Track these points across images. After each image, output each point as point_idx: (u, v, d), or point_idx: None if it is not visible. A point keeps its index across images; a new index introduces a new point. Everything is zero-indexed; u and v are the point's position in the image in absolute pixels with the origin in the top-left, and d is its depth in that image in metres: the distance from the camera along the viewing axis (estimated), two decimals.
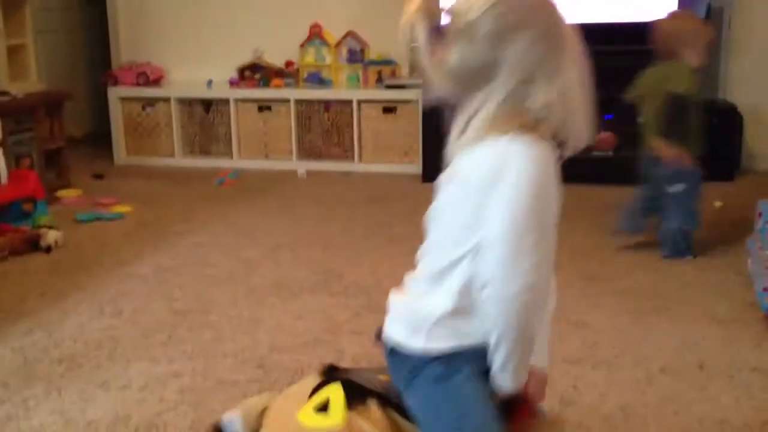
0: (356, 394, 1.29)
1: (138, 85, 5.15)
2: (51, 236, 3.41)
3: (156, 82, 5.23)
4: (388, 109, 4.77)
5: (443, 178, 1.25)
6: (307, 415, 1.29)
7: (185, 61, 5.36)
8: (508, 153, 1.15)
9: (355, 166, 4.85)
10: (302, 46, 5.03)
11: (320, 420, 1.27)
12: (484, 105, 1.19)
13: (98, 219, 3.87)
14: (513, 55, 1.16)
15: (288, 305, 2.76)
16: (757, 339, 2.39)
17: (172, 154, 5.13)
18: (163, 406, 2.09)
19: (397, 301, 1.32)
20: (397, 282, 3.13)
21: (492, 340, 1.19)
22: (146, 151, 5.18)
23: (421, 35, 1.19)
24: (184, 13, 5.33)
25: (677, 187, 3.03)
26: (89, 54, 6.14)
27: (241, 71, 5.08)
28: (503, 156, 1.15)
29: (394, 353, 1.28)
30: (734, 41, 4.56)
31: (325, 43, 5.00)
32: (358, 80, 4.98)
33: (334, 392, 1.30)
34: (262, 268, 3.15)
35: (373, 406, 1.28)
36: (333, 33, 5.02)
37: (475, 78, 1.19)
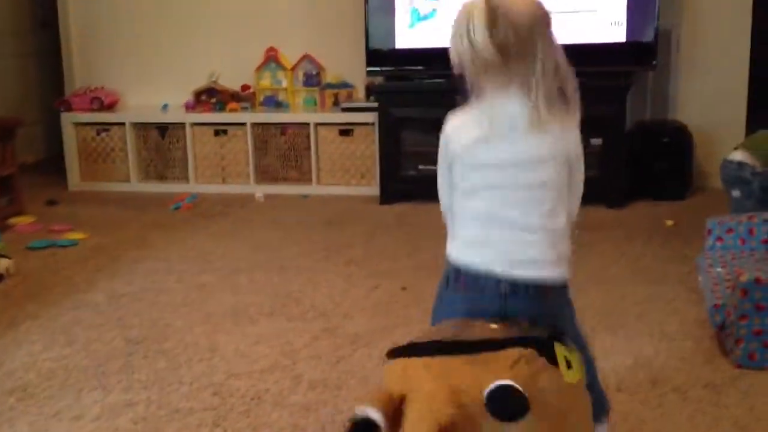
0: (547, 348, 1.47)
1: (92, 110, 5.10)
2: (3, 264, 3.34)
3: (110, 106, 5.18)
4: (345, 131, 4.79)
5: (532, 156, 1.60)
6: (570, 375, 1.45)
7: (140, 86, 5.33)
8: (576, 133, 1.63)
9: (313, 189, 4.85)
10: (258, 69, 5.04)
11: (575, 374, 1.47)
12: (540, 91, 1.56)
13: (51, 246, 3.81)
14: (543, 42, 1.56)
15: (245, 330, 2.74)
16: (709, 356, 2.43)
17: (127, 179, 5.07)
18: None
19: (537, 252, 1.60)
20: (357, 305, 3.12)
21: None
22: (101, 177, 5.12)
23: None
24: (139, 38, 5.30)
25: None
26: (42, 79, 6.07)
27: (197, 95, 5.06)
28: (574, 138, 1.63)
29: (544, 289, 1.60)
30: (683, 63, 4.66)
31: (281, 66, 5.01)
32: (315, 103, 4.99)
33: (559, 350, 1.46)
34: (219, 294, 3.12)
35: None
36: (289, 57, 5.03)
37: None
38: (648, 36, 4.27)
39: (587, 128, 1.64)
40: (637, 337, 2.58)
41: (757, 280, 2.28)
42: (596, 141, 4.28)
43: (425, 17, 4.47)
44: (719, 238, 2.97)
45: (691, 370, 2.34)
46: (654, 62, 4.35)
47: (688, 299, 2.90)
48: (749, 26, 4.49)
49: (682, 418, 2.07)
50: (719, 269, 2.73)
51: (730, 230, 2.95)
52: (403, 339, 2.55)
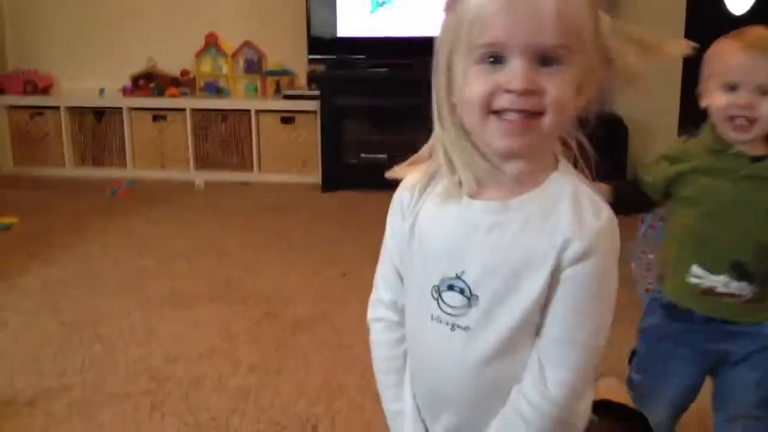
0: None
1: (26, 93, 4.97)
2: None
3: (45, 90, 5.06)
4: (287, 119, 4.76)
5: None
6: None
7: (76, 70, 5.21)
8: None
9: (254, 176, 4.81)
10: (198, 55, 4.97)
11: None
12: None
13: None
14: None
15: (184, 315, 2.72)
16: None
17: (62, 164, 4.96)
18: (51, 420, 2.02)
19: None
20: (298, 290, 3.11)
21: None
22: (35, 161, 5.00)
23: None
24: (74, 20, 5.18)
25: None
26: None
27: (135, 80, 4.97)
28: None
29: None
30: None
31: (221, 52, 4.95)
32: (256, 90, 4.95)
33: None
34: (157, 279, 3.08)
35: None
36: (229, 43, 4.98)
37: None
38: None
39: None
40: None
41: None
42: None
43: (383, 3, 4.46)
44: (651, 226, 3.04)
45: (620, 352, 2.40)
46: None
47: (621, 284, 2.97)
48: (683, 16, 4.60)
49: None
50: (651, 256, 2.80)
51: (661, 218, 3.03)
52: (343, 324, 2.57)
